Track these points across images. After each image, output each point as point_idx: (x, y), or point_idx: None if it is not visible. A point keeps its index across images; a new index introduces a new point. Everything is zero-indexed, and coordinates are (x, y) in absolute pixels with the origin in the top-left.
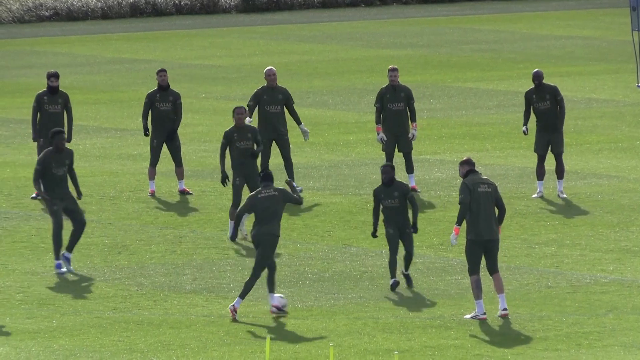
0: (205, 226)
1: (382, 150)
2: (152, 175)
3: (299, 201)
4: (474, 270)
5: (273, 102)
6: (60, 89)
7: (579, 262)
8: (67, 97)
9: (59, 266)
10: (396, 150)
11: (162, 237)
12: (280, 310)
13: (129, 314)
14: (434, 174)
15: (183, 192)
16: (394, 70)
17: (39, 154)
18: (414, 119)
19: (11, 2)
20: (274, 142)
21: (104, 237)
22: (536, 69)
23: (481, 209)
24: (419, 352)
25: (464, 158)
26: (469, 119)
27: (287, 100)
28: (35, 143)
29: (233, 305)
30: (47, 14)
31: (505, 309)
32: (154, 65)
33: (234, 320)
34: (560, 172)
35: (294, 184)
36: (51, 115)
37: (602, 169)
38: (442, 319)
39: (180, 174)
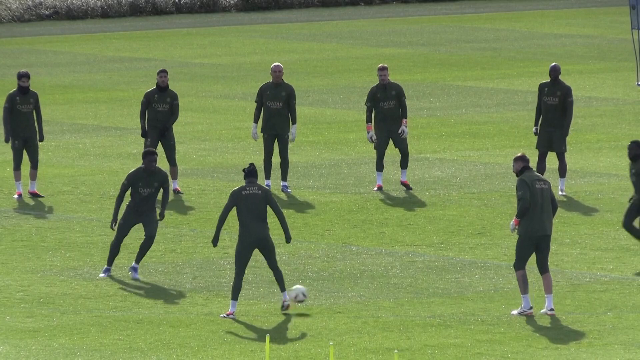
0: (204, 225)
1: (374, 149)
2: None
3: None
4: (520, 265)
5: (275, 98)
6: (30, 88)
7: (578, 261)
8: (37, 97)
9: (106, 271)
10: (387, 149)
11: (162, 235)
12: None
13: (129, 312)
14: (433, 173)
15: (175, 192)
16: (383, 69)
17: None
18: (404, 115)
19: (11, 0)
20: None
21: (104, 235)
22: (554, 63)
23: (537, 205)
24: (419, 351)
25: (519, 154)
26: (469, 117)
27: (289, 98)
28: (8, 144)
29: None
30: (46, 12)
31: (552, 309)
32: (154, 64)
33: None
34: (562, 170)
35: (286, 184)
36: (23, 115)
37: (602, 167)
38: (442, 318)
39: (174, 174)
